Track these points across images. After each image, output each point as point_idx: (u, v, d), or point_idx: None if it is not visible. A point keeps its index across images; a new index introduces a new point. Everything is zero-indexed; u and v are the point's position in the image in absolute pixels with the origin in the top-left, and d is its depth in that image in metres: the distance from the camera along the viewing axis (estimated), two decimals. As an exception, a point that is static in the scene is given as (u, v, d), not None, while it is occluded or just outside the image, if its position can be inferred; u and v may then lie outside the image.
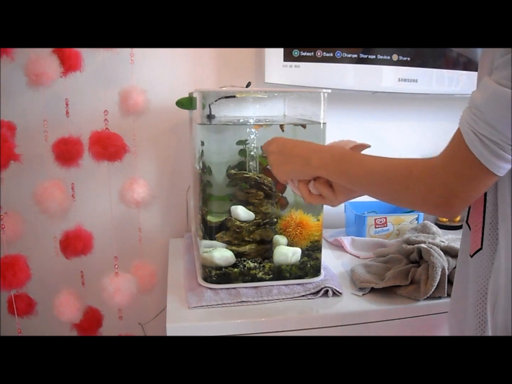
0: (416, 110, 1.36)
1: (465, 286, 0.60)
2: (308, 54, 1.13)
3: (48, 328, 1.06)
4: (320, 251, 0.91)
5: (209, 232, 0.89)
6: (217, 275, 0.86)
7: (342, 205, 1.25)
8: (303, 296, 0.85)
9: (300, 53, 1.13)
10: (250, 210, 0.88)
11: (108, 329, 1.14)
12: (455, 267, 0.80)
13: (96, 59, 1.06)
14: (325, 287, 0.85)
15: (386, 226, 1.17)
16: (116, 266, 1.04)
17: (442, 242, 0.92)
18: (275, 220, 0.90)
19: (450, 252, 0.88)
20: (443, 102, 1.35)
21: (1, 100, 1.03)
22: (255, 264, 0.88)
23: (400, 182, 0.54)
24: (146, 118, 1.07)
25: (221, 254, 0.86)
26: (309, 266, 0.89)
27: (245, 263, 0.88)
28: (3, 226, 0.95)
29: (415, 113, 1.36)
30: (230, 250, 0.87)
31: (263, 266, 0.88)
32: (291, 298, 0.84)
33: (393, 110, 1.34)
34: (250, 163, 0.89)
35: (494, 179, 0.49)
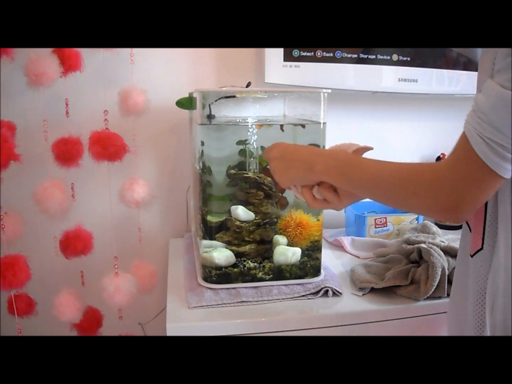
0: (416, 110, 1.36)
1: (465, 286, 0.60)
2: (308, 54, 1.13)
3: (48, 328, 1.06)
4: (320, 251, 0.91)
5: (209, 232, 0.89)
6: (217, 275, 0.86)
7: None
8: (303, 296, 0.85)
9: (300, 53, 1.13)
10: (250, 210, 0.88)
11: (108, 329, 1.14)
12: (455, 267, 0.80)
13: (96, 59, 1.06)
14: (325, 287, 0.85)
15: (386, 226, 1.17)
16: (116, 266, 1.04)
17: (442, 242, 0.92)
18: (275, 220, 0.90)
19: (450, 252, 0.88)
20: (443, 102, 1.35)
21: (1, 100, 1.03)
22: (255, 264, 0.88)
23: (406, 188, 0.53)
24: (146, 118, 1.07)
25: (221, 254, 0.86)
26: (309, 266, 0.89)
27: (245, 263, 0.88)
28: (3, 226, 0.95)
29: (415, 113, 1.36)
30: (230, 250, 0.87)
31: (263, 266, 0.88)
32: (291, 298, 0.84)
33: (393, 110, 1.34)
34: (250, 162, 0.89)
35: (501, 181, 0.48)
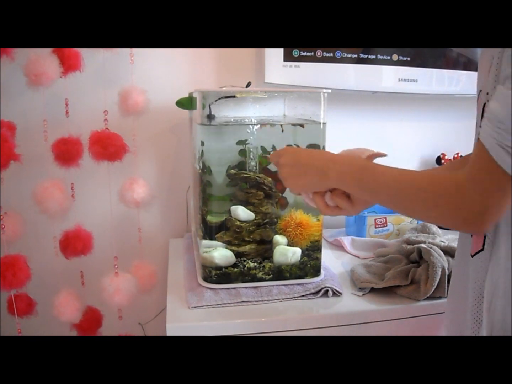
0: (416, 110, 1.36)
1: (464, 286, 0.60)
2: (308, 54, 1.13)
3: (48, 328, 1.05)
4: (320, 251, 0.91)
5: (209, 232, 0.89)
6: (217, 275, 0.86)
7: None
8: (303, 296, 0.85)
9: (300, 53, 1.13)
10: (250, 210, 0.88)
11: (108, 329, 1.14)
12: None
13: (96, 59, 1.06)
14: (325, 287, 0.85)
15: (386, 226, 1.17)
16: (116, 266, 1.04)
17: (442, 242, 0.92)
18: (275, 220, 0.90)
19: (450, 252, 0.88)
20: (443, 102, 1.35)
21: (1, 100, 1.03)
22: (255, 264, 0.88)
23: (427, 199, 0.51)
24: (146, 118, 1.07)
25: (221, 254, 0.86)
26: (309, 266, 0.89)
27: (245, 263, 0.88)
28: (3, 226, 0.95)
29: (415, 113, 1.36)
30: (230, 250, 0.87)
31: (263, 266, 0.88)
32: (291, 298, 0.84)
33: (393, 110, 1.34)
34: (250, 162, 0.89)
35: None
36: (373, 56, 1.16)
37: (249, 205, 0.88)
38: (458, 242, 0.66)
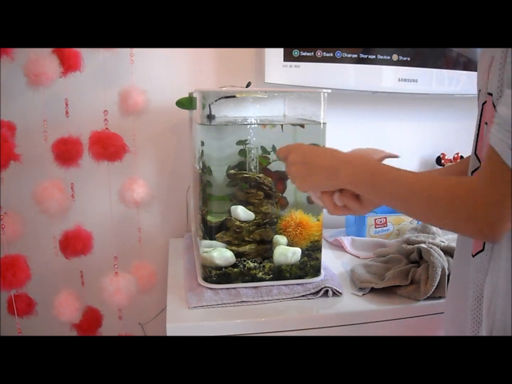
0: (416, 110, 1.36)
1: (465, 286, 0.60)
2: (308, 54, 1.13)
3: (48, 328, 1.06)
4: (320, 251, 0.91)
5: (209, 232, 0.88)
6: (217, 275, 0.86)
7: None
8: (303, 296, 0.85)
9: (300, 53, 1.13)
10: (250, 210, 0.88)
11: (108, 329, 1.14)
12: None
13: (96, 59, 1.06)
14: (325, 287, 0.85)
15: (386, 226, 1.17)
16: (116, 266, 1.04)
17: (442, 242, 0.92)
18: (275, 220, 0.90)
19: (450, 252, 0.88)
20: (443, 102, 1.35)
21: (1, 100, 1.03)
22: (255, 264, 0.88)
23: (441, 205, 0.50)
24: (146, 118, 1.07)
25: (221, 254, 0.86)
26: (309, 266, 0.89)
27: (245, 263, 0.88)
28: (3, 226, 0.95)
29: (415, 113, 1.36)
30: (230, 250, 0.87)
31: (263, 266, 0.88)
32: (291, 298, 0.84)
33: (393, 110, 1.34)
34: (250, 162, 0.89)
35: None
36: (373, 56, 1.16)
37: (249, 205, 0.88)
38: (457, 242, 0.66)
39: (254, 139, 0.87)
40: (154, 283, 1.10)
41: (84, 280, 1.12)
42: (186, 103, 1.01)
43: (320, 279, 0.89)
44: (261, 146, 0.88)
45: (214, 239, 0.88)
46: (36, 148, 1.02)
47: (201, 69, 1.19)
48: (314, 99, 0.88)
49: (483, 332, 0.55)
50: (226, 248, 0.87)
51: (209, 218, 0.88)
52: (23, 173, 1.06)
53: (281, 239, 0.90)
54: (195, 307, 0.80)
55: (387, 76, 1.19)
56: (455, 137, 1.36)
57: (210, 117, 0.87)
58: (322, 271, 0.92)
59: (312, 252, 0.90)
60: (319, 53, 1.14)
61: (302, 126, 0.88)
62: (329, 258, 1.06)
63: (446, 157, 1.34)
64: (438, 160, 1.35)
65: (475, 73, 0.61)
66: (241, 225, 0.87)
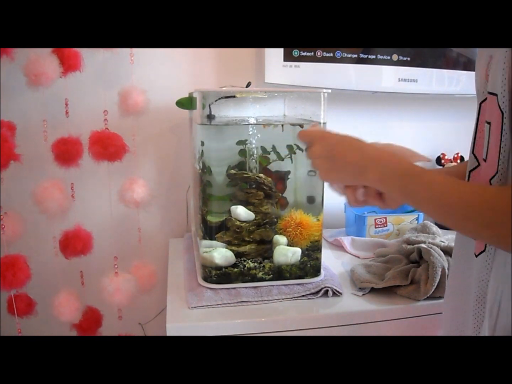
0: (416, 110, 1.36)
1: (466, 286, 0.59)
2: (308, 54, 1.13)
3: (48, 328, 1.06)
4: (320, 251, 0.91)
5: (209, 232, 0.88)
6: (217, 275, 0.86)
7: (342, 205, 1.25)
8: (303, 296, 0.85)
9: (300, 53, 1.13)
10: (250, 210, 0.88)
11: (108, 329, 1.14)
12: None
13: (96, 59, 1.06)
14: (325, 287, 0.85)
15: (386, 226, 1.17)
16: (116, 266, 1.04)
17: (442, 242, 0.92)
18: (275, 220, 0.90)
19: (450, 252, 0.88)
20: (443, 102, 1.35)
21: (1, 100, 1.03)
22: (255, 264, 0.88)
23: (479, 218, 0.47)
24: (146, 118, 1.07)
25: (221, 254, 0.86)
26: (309, 266, 0.89)
27: (245, 263, 0.88)
28: (3, 226, 0.95)
29: (415, 113, 1.36)
30: (230, 250, 0.87)
31: (263, 266, 0.88)
32: (291, 298, 0.84)
33: (393, 110, 1.34)
34: (250, 162, 0.89)
35: None
36: (373, 56, 1.16)
37: (249, 205, 0.88)
38: (456, 242, 0.65)
39: (254, 139, 0.87)
40: (154, 283, 1.10)
41: (84, 280, 1.12)
42: (186, 103, 1.01)
43: (320, 279, 0.89)
44: (261, 146, 0.88)
45: (214, 239, 0.88)
46: (36, 148, 1.02)
47: (201, 69, 1.19)
48: (314, 99, 0.88)
49: (485, 332, 0.55)
50: (226, 248, 0.87)
51: (209, 218, 0.88)
52: (23, 173, 1.06)
53: (281, 239, 0.90)
54: (195, 307, 0.80)
55: (387, 76, 1.19)
56: (455, 137, 1.36)
57: (210, 117, 0.87)
58: (322, 271, 0.92)
59: (312, 252, 0.90)
60: (319, 53, 1.14)
61: (301, 126, 0.88)
62: (329, 258, 1.06)
63: (446, 157, 1.34)
64: (438, 160, 1.35)
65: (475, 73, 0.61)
66: (241, 225, 0.87)
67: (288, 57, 1.12)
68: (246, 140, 0.87)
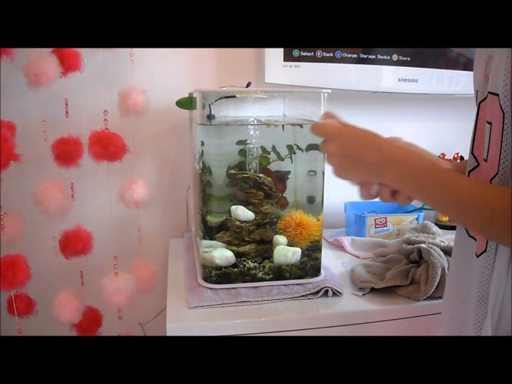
0: (416, 110, 1.36)
1: (467, 286, 0.59)
2: (308, 54, 1.13)
3: (48, 328, 1.06)
4: (320, 251, 0.91)
5: (209, 232, 0.88)
6: (217, 275, 0.86)
7: (342, 205, 1.25)
8: (303, 296, 0.85)
9: (300, 53, 1.13)
10: (250, 210, 0.88)
11: (108, 329, 1.14)
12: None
13: (96, 59, 1.06)
14: (325, 287, 0.85)
15: (386, 226, 1.17)
16: (116, 266, 1.04)
17: (442, 242, 0.92)
18: (275, 220, 0.90)
19: (450, 252, 0.88)
20: (443, 102, 1.35)
21: (1, 100, 1.03)
22: (255, 264, 0.88)
23: (503, 223, 0.45)
24: (146, 118, 1.07)
25: (221, 254, 0.86)
26: (309, 266, 0.89)
27: (245, 263, 0.88)
28: (3, 226, 0.95)
29: (415, 113, 1.36)
30: (230, 250, 0.87)
31: (263, 266, 0.88)
32: (291, 298, 0.84)
33: (393, 110, 1.34)
34: (250, 162, 0.89)
35: None
36: (373, 56, 1.16)
37: (249, 205, 0.88)
38: (455, 242, 0.65)
39: (254, 139, 0.87)
40: (154, 283, 1.10)
41: (84, 280, 1.12)
42: (186, 103, 1.01)
43: (320, 279, 0.89)
44: (261, 146, 0.88)
45: (214, 239, 0.88)
46: (36, 148, 1.02)
47: (201, 69, 1.19)
48: (314, 99, 0.88)
49: (487, 333, 0.54)
50: (226, 248, 0.87)
51: (209, 218, 0.88)
52: (23, 173, 1.06)
53: (281, 239, 0.90)
54: (195, 307, 0.80)
55: (387, 76, 1.19)
56: (455, 137, 1.36)
57: (210, 117, 0.87)
58: (322, 271, 0.92)
59: (312, 252, 0.90)
60: (319, 53, 1.14)
61: (301, 126, 0.88)
62: (329, 258, 1.06)
63: (446, 157, 1.34)
64: (438, 160, 1.35)
65: (474, 73, 0.61)
66: (241, 225, 0.87)
67: (288, 57, 1.12)
68: (246, 140, 0.87)
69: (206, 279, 0.87)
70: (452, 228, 1.25)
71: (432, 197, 0.52)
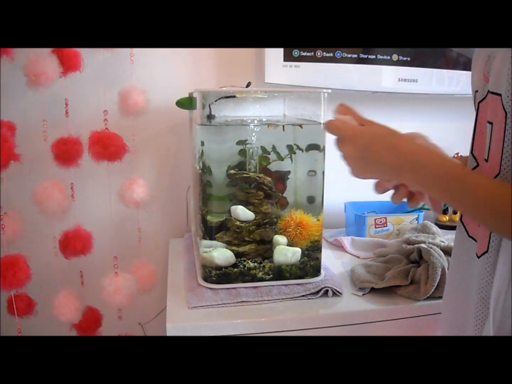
0: (416, 110, 1.36)
1: (467, 287, 0.59)
2: (308, 54, 1.13)
3: (48, 328, 1.05)
4: (320, 251, 0.91)
5: (209, 232, 0.88)
6: (217, 275, 0.86)
7: (342, 205, 1.25)
8: (303, 296, 0.85)
9: (300, 53, 1.13)
10: (250, 210, 0.88)
11: (108, 329, 1.14)
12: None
13: (96, 59, 1.06)
14: (325, 287, 0.85)
15: (386, 226, 1.17)
16: (116, 266, 1.04)
17: (442, 242, 0.92)
18: (275, 220, 0.90)
19: (450, 252, 0.88)
20: (443, 102, 1.35)
21: (1, 100, 1.03)
22: (255, 264, 0.88)
23: None
24: (146, 118, 1.07)
25: (221, 254, 0.86)
26: (309, 266, 0.89)
27: (245, 263, 0.88)
28: (3, 226, 0.95)
29: (415, 113, 1.36)
30: (230, 250, 0.87)
31: (263, 266, 0.88)
32: (291, 298, 0.84)
33: (393, 110, 1.34)
34: (250, 162, 0.89)
35: None
36: (373, 56, 1.16)
37: (249, 205, 0.88)
38: (456, 243, 0.65)
39: (254, 139, 0.87)
40: (154, 283, 1.10)
41: (84, 280, 1.12)
42: (186, 103, 1.01)
43: (320, 279, 0.89)
44: (261, 146, 0.88)
45: (214, 239, 0.88)
46: (36, 148, 1.02)
47: (201, 69, 1.19)
48: (314, 99, 0.88)
49: (488, 333, 0.54)
50: (226, 248, 0.87)
51: (209, 218, 0.88)
52: (23, 173, 1.06)
53: (281, 239, 0.90)
54: (195, 307, 0.80)
55: (387, 76, 1.19)
56: (455, 137, 1.36)
57: (210, 117, 0.87)
58: (322, 271, 0.92)
59: (312, 252, 0.90)
60: (319, 53, 1.14)
61: (300, 126, 0.88)
62: (329, 258, 1.06)
63: None
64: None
65: (474, 73, 0.61)
66: (241, 225, 0.87)
67: (288, 57, 1.12)
68: (246, 140, 0.87)
69: (206, 279, 0.87)
70: (452, 228, 1.25)
71: (456, 199, 0.50)
